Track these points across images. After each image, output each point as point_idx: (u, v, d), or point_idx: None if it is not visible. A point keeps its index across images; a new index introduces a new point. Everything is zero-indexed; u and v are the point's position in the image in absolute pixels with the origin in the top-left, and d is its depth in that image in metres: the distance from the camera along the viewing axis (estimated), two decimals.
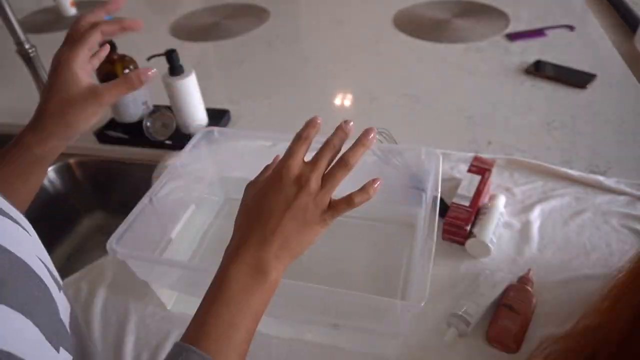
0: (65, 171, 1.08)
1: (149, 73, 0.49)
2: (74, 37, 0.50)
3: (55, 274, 0.39)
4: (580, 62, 1.15)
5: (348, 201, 0.43)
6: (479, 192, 0.76)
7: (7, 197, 0.46)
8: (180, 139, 0.98)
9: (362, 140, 0.44)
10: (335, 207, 0.43)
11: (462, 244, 0.73)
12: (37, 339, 0.31)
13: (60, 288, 0.37)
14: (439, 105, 1.09)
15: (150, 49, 0.98)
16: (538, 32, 1.31)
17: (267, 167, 0.49)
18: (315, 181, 0.42)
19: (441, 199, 0.65)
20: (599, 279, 0.66)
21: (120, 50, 0.97)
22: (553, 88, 1.09)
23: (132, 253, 0.60)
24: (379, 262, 0.74)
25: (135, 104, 1.00)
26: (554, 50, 1.23)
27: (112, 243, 0.59)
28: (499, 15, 1.45)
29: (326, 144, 0.44)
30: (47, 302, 0.34)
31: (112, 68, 0.95)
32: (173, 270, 0.65)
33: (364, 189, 0.43)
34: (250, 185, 0.47)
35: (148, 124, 0.99)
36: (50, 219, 1.04)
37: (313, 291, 0.53)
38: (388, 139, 0.85)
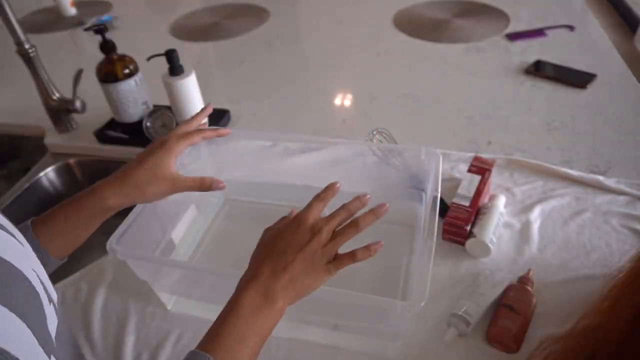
0: (65, 171, 1.08)
1: (221, 185, 0.59)
2: (184, 132, 0.60)
3: (48, 286, 0.40)
4: (580, 62, 1.15)
5: (352, 255, 0.49)
6: (479, 192, 0.76)
7: (65, 236, 0.54)
8: None
9: (376, 210, 0.51)
10: (340, 259, 0.49)
11: (462, 244, 0.73)
12: (31, 342, 0.32)
13: (50, 301, 0.39)
14: (438, 105, 1.09)
15: (150, 49, 0.98)
16: (538, 32, 1.31)
17: (283, 218, 0.54)
18: (326, 233, 0.48)
19: (441, 199, 0.65)
20: (599, 279, 0.66)
21: (121, 50, 0.97)
22: (553, 88, 1.09)
23: (132, 253, 0.60)
24: (379, 262, 0.74)
25: (135, 104, 0.99)
26: (554, 50, 1.23)
27: (112, 243, 0.59)
28: (499, 15, 1.45)
29: (343, 206, 0.51)
30: (37, 310, 0.35)
31: (112, 68, 0.95)
32: (173, 270, 0.65)
33: (367, 247, 0.49)
34: (267, 230, 0.53)
35: (148, 124, 0.99)
36: None
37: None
38: (388, 139, 0.85)
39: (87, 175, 1.10)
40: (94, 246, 0.59)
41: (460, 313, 0.62)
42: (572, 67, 1.14)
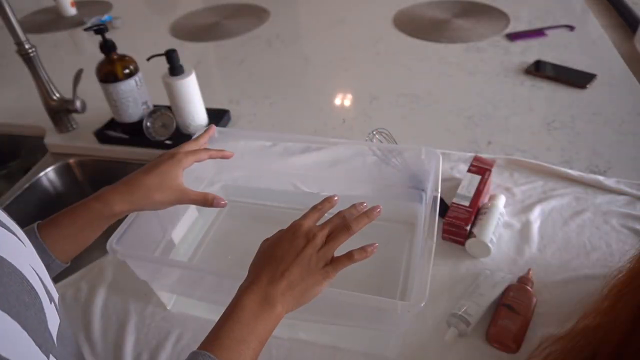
0: (65, 171, 1.08)
1: (222, 203, 0.60)
2: (192, 149, 0.63)
3: (49, 286, 0.40)
4: (580, 62, 1.15)
5: (349, 256, 0.50)
6: (479, 192, 0.76)
7: (70, 240, 0.55)
8: (180, 139, 0.98)
9: (368, 213, 0.52)
10: (337, 261, 0.50)
11: (462, 244, 0.73)
12: (25, 343, 0.32)
13: (51, 300, 0.39)
14: (439, 105, 1.09)
15: (150, 49, 0.98)
16: (538, 32, 1.31)
17: (280, 230, 0.55)
18: (320, 238, 0.50)
19: (441, 199, 0.65)
20: (599, 279, 0.66)
21: (121, 50, 0.97)
22: (553, 88, 1.09)
23: (132, 253, 0.60)
24: (378, 262, 0.74)
25: (135, 104, 0.99)
26: (554, 50, 1.23)
27: (112, 243, 0.59)
28: (499, 15, 1.45)
29: (338, 213, 0.53)
30: (37, 310, 0.35)
31: (112, 68, 0.95)
32: (173, 270, 0.65)
33: (362, 249, 0.51)
34: (265, 240, 0.54)
35: (148, 124, 0.99)
36: None
37: None
38: (388, 139, 0.85)
39: (87, 175, 1.10)
40: (94, 246, 0.59)
41: (460, 313, 0.62)
42: (572, 67, 1.14)
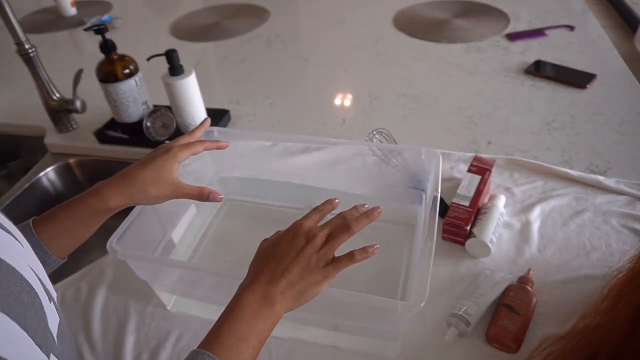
0: (65, 171, 1.08)
1: (218, 197, 0.60)
2: (187, 142, 0.62)
3: (48, 285, 0.40)
4: (580, 62, 1.15)
5: (350, 256, 0.50)
6: (479, 192, 0.76)
7: (66, 236, 0.54)
8: None
9: (368, 213, 0.53)
10: (338, 261, 0.50)
11: (462, 244, 0.73)
12: (25, 343, 0.32)
13: (50, 299, 0.39)
14: (438, 105, 1.09)
15: (150, 49, 0.98)
16: (538, 32, 1.31)
17: (278, 231, 0.55)
18: (320, 238, 0.50)
19: (441, 199, 0.66)
20: (599, 279, 0.66)
21: (121, 50, 0.97)
22: (553, 88, 1.09)
23: (132, 253, 0.60)
24: (379, 262, 0.74)
25: (135, 104, 0.99)
26: (554, 50, 1.23)
27: (112, 243, 0.59)
28: (499, 15, 1.45)
29: (339, 215, 0.53)
30: (36, 309, 0.35)
31: (112, 68, 0.95)
32: (173, 270, 0.65)
33: (364, 249, 0.51)
34: (264, 240, 0.54)
35: (148, 124, 0.99)
36: None
37: None
38: (388, 139, 0.85)
39: (87, 175, 1.10)
40: (94, 246, 0.59)
41: (460, 313, 0.62)
42: (572, 67, 1.14)
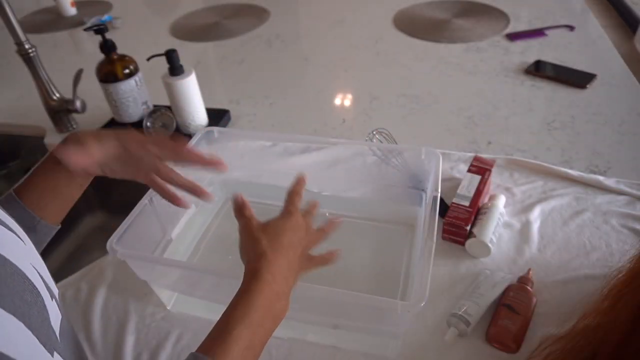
0: None
1: (208, 194, 0.59)
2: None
3: (50, 282, 0.40)
4: (580, 62, 1.15)
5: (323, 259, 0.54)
6: (479, 192, 0.76)
7: (36, 209, 0.52)
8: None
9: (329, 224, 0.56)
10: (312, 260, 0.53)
11: (462, 244, 0.73)
12: (30, 342, 0.32)
13: (52, 297, 0.39)
14: (438, 105, 1.09)
15: (150, 49, 0.98)
16: (538, 32, 1.31)
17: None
18: (315, 234, 0.54)
19: (441, 199, 0.65)
20: (599, 279, 0.66)
21: (120, 50, 0.97)
22: (553, 88, 1.09)
23: (132, 253, 0.60)
24: (379, 262, 0.74)
25: (135, 104, 1.00)
26: (554, 50, 1.23)
27: (112, 243, 0.59)
28: (499, 15, 1.45)
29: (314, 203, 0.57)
30: (39, 308, 0.35)
31: (112, 68, 0.95)
32: (173, 270, 0.65)
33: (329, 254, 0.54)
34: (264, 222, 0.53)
35: (148, 124, 0.99)
36: None
37: (313, 291, 0.53)
38: (388, 139, 0.85)
39: None
40: (94, 246, 0.60)
41: (460, 313, 0.62)
42: (572, 67, 1.14)
